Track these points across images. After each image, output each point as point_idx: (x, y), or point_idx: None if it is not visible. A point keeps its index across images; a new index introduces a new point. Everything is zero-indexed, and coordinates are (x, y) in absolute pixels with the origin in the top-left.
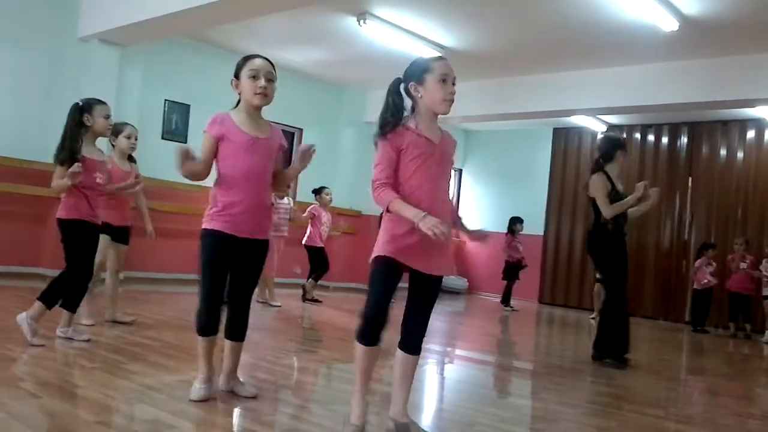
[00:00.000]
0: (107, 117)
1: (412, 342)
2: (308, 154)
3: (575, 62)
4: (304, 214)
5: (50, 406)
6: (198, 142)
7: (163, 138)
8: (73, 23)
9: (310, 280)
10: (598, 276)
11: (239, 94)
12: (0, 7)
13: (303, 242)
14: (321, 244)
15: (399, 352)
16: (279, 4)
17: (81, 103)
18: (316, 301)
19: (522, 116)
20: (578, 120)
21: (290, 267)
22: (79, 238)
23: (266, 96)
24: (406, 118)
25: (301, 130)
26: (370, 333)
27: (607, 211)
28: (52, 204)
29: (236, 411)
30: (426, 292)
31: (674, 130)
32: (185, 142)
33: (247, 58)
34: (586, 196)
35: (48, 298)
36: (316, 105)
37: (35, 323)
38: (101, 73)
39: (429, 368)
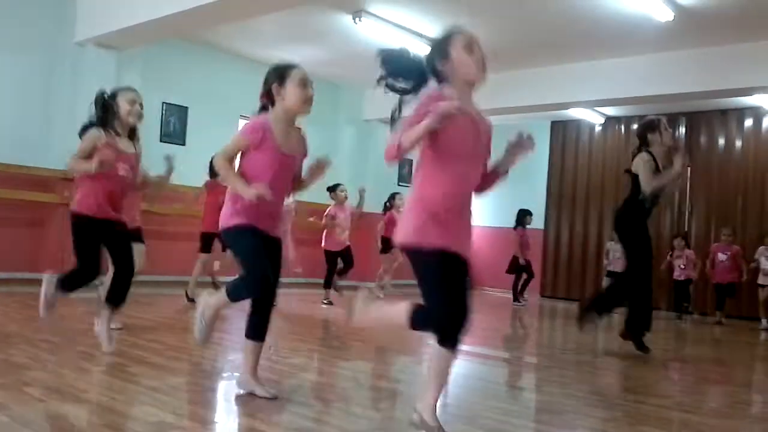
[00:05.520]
0: (132, 103)
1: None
2: (319, 169)
3: (571, 55)
4: (324, 221)
5: (56, 410)
6: (197, 143)
7: (161, 141)
8: (69, 28)
9: (335, 285)
10: (614, 270)
11: (275, 101)
12: None
13: (322, 245)
14: (339, 248)
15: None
16: (274, 5)
17: (108, 92)
18: (329, 303)
19: (519, 110)
20: (576, 113)
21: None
22: (83, 234)
23: (311, 106)
24: (439, 88)
25: (299, 129)
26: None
27: (648, 182)
28: (52, 209)
29: (241, 411)
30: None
31: (672, 121)
32: (183, 145)
33: (290, 66)
34: (626, 177)
35: (65, 286)
36: (314, 104)
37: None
38: (98, 77)
39: None
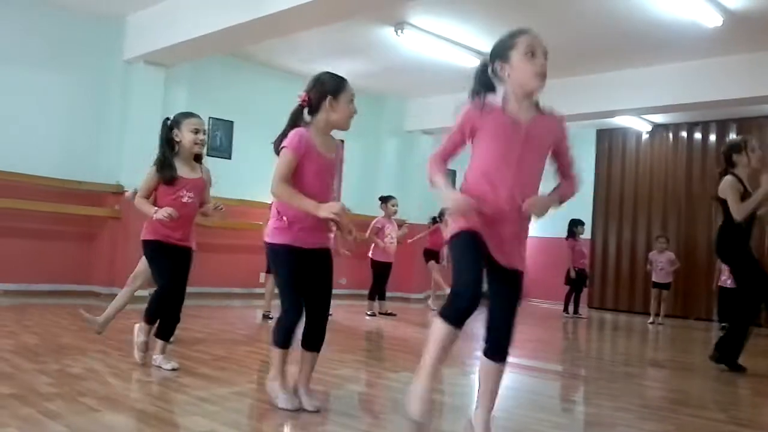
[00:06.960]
0: (196, 131)
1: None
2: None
3: (618, 62)
4: (368, 232)
5: (110, 420)
6: (243, 157)
7: (208, 155)
8: (118, 46)
9: (376, 298)
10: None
11: (318, 108)
12: (47, 33)
13: (370, 255)
14: (388, 260)
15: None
16: (317, 20)
17: (170, 119)
18: (391, 314)
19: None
20: (622, 120)
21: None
22: (157, 258)
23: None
24: (493, 98)
25: (342, 141)
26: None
27: (737, 210)
28: (102, 223)
29: (289, 422)
30: (508, 288)
31: (722, 127)
32: (229, 159)
33: (343, 80)
34: (714, 202)
35: (147, 316)
36: (358, 116)
37: (141, 339)
38: (147, 94)
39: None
